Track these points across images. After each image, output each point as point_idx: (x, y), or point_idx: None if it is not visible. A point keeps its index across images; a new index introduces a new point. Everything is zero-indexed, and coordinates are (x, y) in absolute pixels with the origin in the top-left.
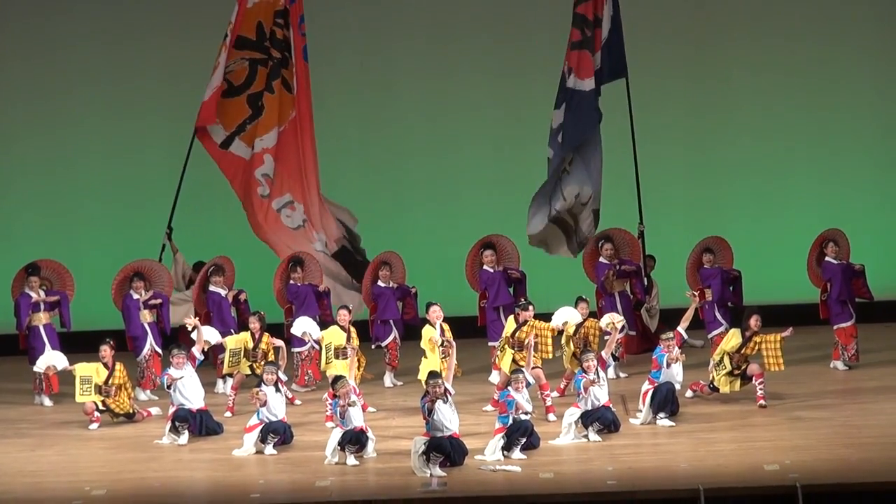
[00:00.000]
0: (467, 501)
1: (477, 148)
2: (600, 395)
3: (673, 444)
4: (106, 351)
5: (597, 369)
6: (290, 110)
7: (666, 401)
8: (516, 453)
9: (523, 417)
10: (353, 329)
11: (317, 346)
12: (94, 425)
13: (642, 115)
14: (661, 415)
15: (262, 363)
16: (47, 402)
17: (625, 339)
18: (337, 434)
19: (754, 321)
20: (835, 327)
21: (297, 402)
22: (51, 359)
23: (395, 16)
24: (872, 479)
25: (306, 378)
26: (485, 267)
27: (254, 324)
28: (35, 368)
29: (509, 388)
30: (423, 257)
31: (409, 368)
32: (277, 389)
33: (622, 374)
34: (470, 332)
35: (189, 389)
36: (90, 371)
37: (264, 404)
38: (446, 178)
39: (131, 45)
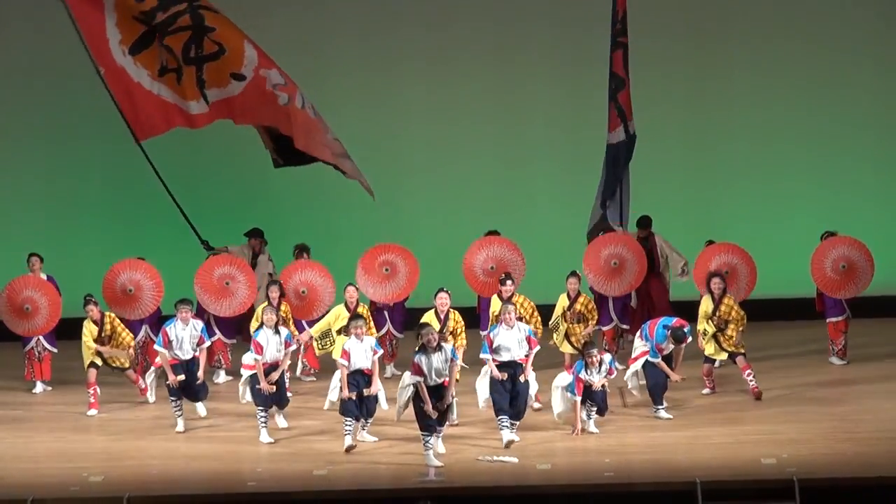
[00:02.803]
0: (464, 492)
1: (479, 137)
2: (595, 379)
3: (670, 436)
4: (92, 308)
5: (600, 361)
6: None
7: (662, 393)
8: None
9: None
10: (362, 305)
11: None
12: (93, 411)
13: (641, 113)
14: (659, 408)
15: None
16: (40, 387)
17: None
18: (337, 377)
19: (714, 285)
20: (827, 321)
21: (294, 346)
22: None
23: (398, 12)
24: (869, 473)
25: (304, 368)
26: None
27: (273, 293)
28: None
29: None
30: (424, 247)
31: (409, 359)
32: (277, 332)
33: (618, 366)
34: (469, 322)
35: (185, 345)
36: (88, 333)
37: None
38: (448, 167)
39: None
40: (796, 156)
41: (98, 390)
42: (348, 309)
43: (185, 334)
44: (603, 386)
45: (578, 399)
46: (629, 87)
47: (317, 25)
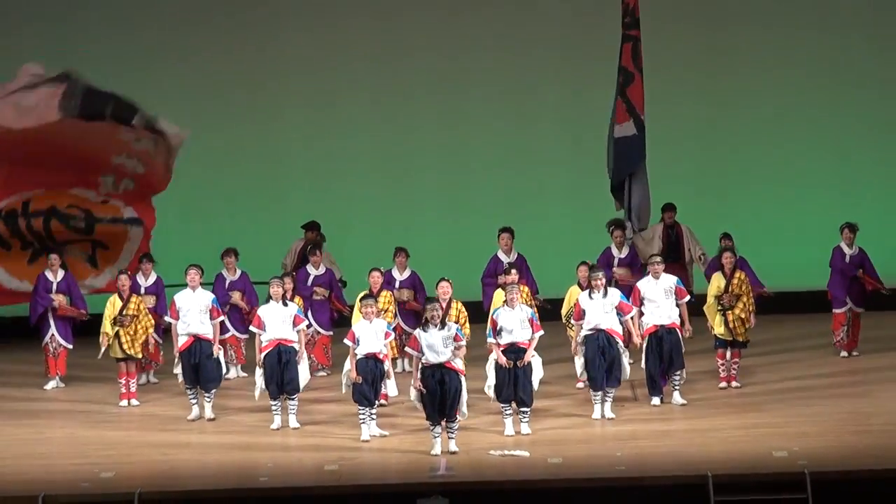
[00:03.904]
0: (476, 486)
1: (487, 135)
2: (599, 319)
3: (681, 430)
4: (124, 281)
5: (605, 289)
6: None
7: (654, 382)
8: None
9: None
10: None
11: (322, 332)
12: (124, 402)
13: (655, 107)
14: (654, 397)
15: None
16: (52, 384)
17: None
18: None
19: (725, 259)
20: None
21: (304, 323)
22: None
23: (406, 4)
24: (880, 465)
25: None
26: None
27: (287, 284)
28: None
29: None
30: (434, 245)
31: None
32: (285, 304)
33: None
34: (477, 317)
35: (193, 315)
36: (110, 306)
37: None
38: (457, 166)
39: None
40: (808, 149)
41: (129, 381)
42: (371, 293)
43: (192, 303)
44: (618, 360)
45: (578, 325)
46: (641, 81)
47: (329, 45)
